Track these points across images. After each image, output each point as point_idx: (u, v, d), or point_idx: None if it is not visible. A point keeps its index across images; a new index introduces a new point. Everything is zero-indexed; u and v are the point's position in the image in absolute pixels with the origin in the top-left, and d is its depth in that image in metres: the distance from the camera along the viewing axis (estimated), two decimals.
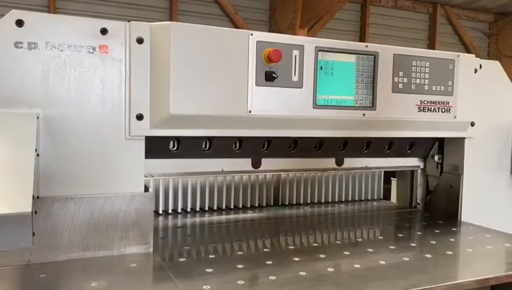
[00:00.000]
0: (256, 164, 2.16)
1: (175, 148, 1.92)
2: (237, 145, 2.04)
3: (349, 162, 2.37)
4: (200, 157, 2.00)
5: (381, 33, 9.22)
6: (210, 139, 1.95)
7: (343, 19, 9.03)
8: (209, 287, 1.38)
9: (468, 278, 1.55)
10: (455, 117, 2.17)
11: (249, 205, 2.38)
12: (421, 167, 2.53)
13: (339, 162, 2.36)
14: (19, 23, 1.48)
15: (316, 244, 1.88)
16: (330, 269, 1.57)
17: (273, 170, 2.23)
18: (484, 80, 2.26)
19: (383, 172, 2.71)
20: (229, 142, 2.01)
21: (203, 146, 1.97)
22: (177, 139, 1.90)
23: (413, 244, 1.94)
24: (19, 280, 1.46)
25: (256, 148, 2.08)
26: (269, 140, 2.07)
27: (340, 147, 2.26)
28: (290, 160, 2.22)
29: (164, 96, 1.62)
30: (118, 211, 1.63)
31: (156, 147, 1.80)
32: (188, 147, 1.93)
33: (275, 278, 1.47)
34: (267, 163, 2.17)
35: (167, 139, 1.87)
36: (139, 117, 1.64)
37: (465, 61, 2.18)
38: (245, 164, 2.13)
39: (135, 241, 1.66)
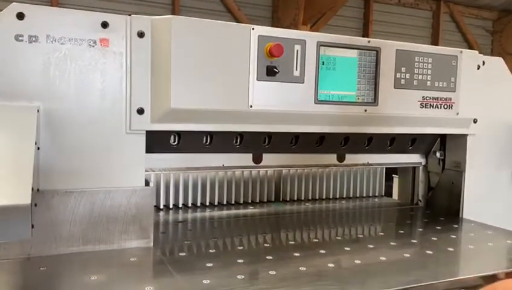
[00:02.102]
0: (257, 160, 2.15)
1: (176, 142, 1.92)
2: (238, 140, 2.03)
3: (351, 158, 2.36)
4: (201, 152, 1.99)
5: (384, 30, 9.19)
6: (211, 133, 1.95)
7: (346, 15, 9.00)
8: (209, 281, 1.37)
9: (469, 275, 1.54)
10: (457, 114, 2.15)
11: (249, 201, 2.37)
12: (423, 163, 2.52)
13: (341, 158, 2.35)
14: (20, 16, 1.47)
15: (316, 240, 1.87)
16: (330, 265, 1.56)
17: (274, 166, 2.22)
18: (487, 76, 2.24)
19: (384, 169, 2.70)
20: (230, 137, 2.00)
21: (204, 140, 1.97)
22: (178, 133, 1.89)
23: (414, 241, 1.94)
24: (19, 273, 1.46)
25: (257, 143, 2.07)
26: (270, 135, 2.07)
27: (341, 143, 2.25)
28: (291, 155, 2.21)
29: (165, 90, 1.62)
30: (119, 205, 1.63)
31: (157, 142, 1.80)
32: (189, 142, 1.92)
33: (275, 273, 1.46)
34: (268, 158, 2.16)
35: (168, 133, 1.86)
36: (140, 111, 1.64)
37: (468, 58, 2.16)
38: (246, 159, 2.12)
39: (135, 235, 1.66)
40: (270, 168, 2.22)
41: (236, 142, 2.03)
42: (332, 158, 2.33)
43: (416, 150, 2.45)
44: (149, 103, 1.64)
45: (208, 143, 1.98)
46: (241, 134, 2.00)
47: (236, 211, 2.25)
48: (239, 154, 2.08)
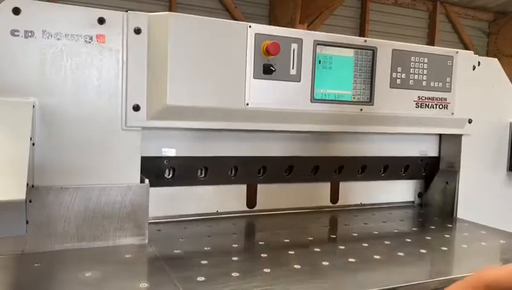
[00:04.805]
0: (251, 204, 2.16)
1: (170, 175, 1.93)
2: (233, 172, 2.05)
3: (344, 200, 2.37)
4: (196, 184, 2.01)
5: (380, 30, 9.20)
6: (206, 166, 1.98)
7: (343, 15, 9.01)
8: (203, 278, 1.37)
9: (462, 274, 1.55)
10: (453, 114, 2.17)
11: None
12: (416, 202, 2.55)
13: (334, 200, 2.36)
14: (16, 11, 1.47)
15: (311, 238, 1.88)
16: (325, 263, 1.57)
17: (267, 209, 2.20)
18: (482, 77, 2.26)
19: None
20: (225, 168, 2.02)
21: (199, 173, 1.99)
22: (172, 167, 1.92)
23: (409, 240, 1.94)
24: (13, 269, 1.45)
25: (251, 173, 2.09)
26: (265, 166, 2.10)
27: (335, 171, 2.28)
28: (285, 194, 2.23)
29: (161, 87, 1.62)
30: (114, 202, 1.63)
31: (152, 172, 1.82)
32: (184, 173, 1.94)
33: (269, 270, 1.47)
34: (261, 202, 2.17)
35: (162, 169, 1.90)
36: (136, 108, 1.63)
37: (464, 58, 2.17)
38: (239, 203, 2.13)
39: (130, 232, 1.66)
40: (264, 212, 2.21)
41: (231, 173, 2.05)
42: (325, 199, 2.33)
43: (409, 176, 2.47)
44: (145, 100, 1.64)
45: (203, 176, 1.99)
46: (236, 166, 2.04)
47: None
48: (234, 185, 2.09)
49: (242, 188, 2.14)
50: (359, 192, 2.41)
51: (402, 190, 2.52)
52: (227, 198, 2.10)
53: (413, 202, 2.55)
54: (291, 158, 2.14)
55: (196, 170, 1.98)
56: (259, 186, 2.16)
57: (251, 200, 2.15)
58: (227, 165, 2.03)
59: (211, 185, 2.04)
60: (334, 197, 2.36)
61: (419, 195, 2.55)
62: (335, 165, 2.26)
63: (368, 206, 2.47)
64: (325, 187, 2.33)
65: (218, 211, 2.10)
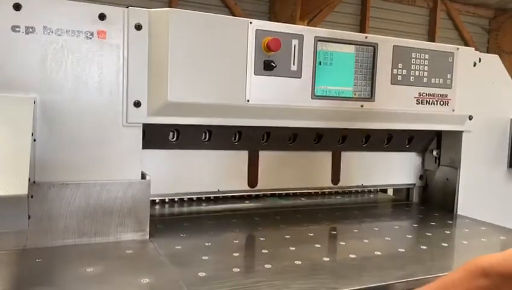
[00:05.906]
0: (252, 184, 2.15)
1: (174, 138, 1.92)
2: (236, 137, 2.04)
3: (345, 181, 2.38)
4: (200, 148, 1.99)
5: (381, 27, 9.18)
6: (209, 129, 1.95)
7: (343, 11, 8.99)
8: (204, 274, 1.38)
9: None
10: (453, 110, 2.16)
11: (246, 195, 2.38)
12: (417, 184, 2.54)
13: (335, 181, 2.37)
14: (17, 6, 1.47)
15: (311, 235, 1.88)
16: (326, 259, 1.57)
17: (269, 189, 2.21)
18: (483, 73, 2.25)
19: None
20: (228, 133, 2.00)
21: (203, 137, 1.97)
22: (177, 129, 1.89)
23: (409, 236, 1.95)
24: (15, 264, 1.45)
25: (255, 139, 2.08)
26: (268, 132, 2.08)
27: (339, 140, 2.26)
28: (287, 175, 2.23)
29: (162, 83, 1.62)
30: (115, 198, 1.63)
31: (155, 137, 1.80)
32: (188, 137, 1.93)
33: (270, 266, 1.47)
34: (262, 182, 2.16)
35: (167, 128, 1.86)
36: (137, 104, 1.63)
37: (465, 55, 2.17)
38: (241, 182, 2.13)
39: (131, 228, 1.66)
40: (265, 191, 2.20)
41: (234, 138, 2.04)
42: (327, 181, 2.34)
43: (413, 148, 2.46)
44: (146, 96, 1.64)
45: (206, 139, 1.98)
46: (240, 131, 2.00)
47: (232, 205, 2.25)
48: (236, 151, 2.08)
49: (243, 168, 2.13)
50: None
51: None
52: (228, 177, 2.10)
53: (414, 184, 2.54)
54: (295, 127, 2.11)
55: (200, 133, 1.95)
56: (260, 165, 2.14)
57: (252, 180, 2.14)
58: (230, 131, 2.01)
59: (214, 149, 2.02)
60: (335, 178, 2.35)
61: (421, 177, 2.54)
62: (339, 134, 2.25)
63: (369, 188, 2.47)
64: (327, 168, 2.33)
65: (220, 190, 2.10)
